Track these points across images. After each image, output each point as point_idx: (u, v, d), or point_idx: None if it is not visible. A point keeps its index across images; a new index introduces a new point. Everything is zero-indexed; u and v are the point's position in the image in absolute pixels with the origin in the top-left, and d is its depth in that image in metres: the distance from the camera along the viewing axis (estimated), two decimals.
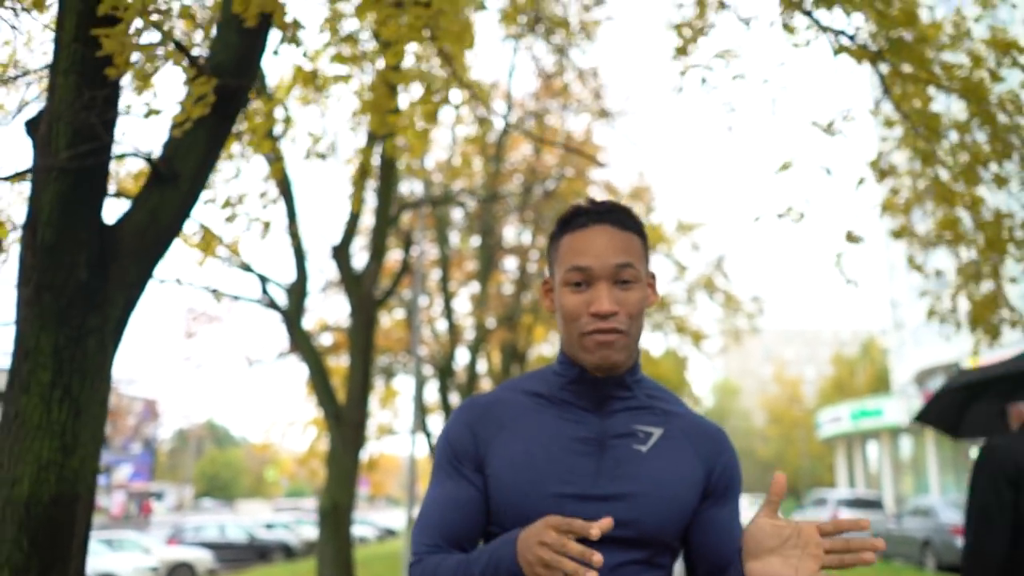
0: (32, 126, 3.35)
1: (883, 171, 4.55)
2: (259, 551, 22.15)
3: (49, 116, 3.27)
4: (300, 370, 16.51)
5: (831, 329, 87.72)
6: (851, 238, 4.39)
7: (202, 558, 17.87)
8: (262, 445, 21.59)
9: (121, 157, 3.36)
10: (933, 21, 4.56)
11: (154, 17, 2.75)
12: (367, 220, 10.67)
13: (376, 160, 7.99)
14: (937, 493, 28.10)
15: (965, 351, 24.30)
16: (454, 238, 17.45)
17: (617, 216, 1.32)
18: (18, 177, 3.07)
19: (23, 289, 3.20)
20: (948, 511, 14.50)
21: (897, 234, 4.58)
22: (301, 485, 68.24)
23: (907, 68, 4.48)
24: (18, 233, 3.73)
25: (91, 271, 3.25)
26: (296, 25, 2.99)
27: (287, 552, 22.63)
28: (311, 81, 4.76)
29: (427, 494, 1.35)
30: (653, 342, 20.30)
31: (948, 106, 4.46)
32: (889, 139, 4.75)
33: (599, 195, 18.29)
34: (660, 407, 1.37)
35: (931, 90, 4.69)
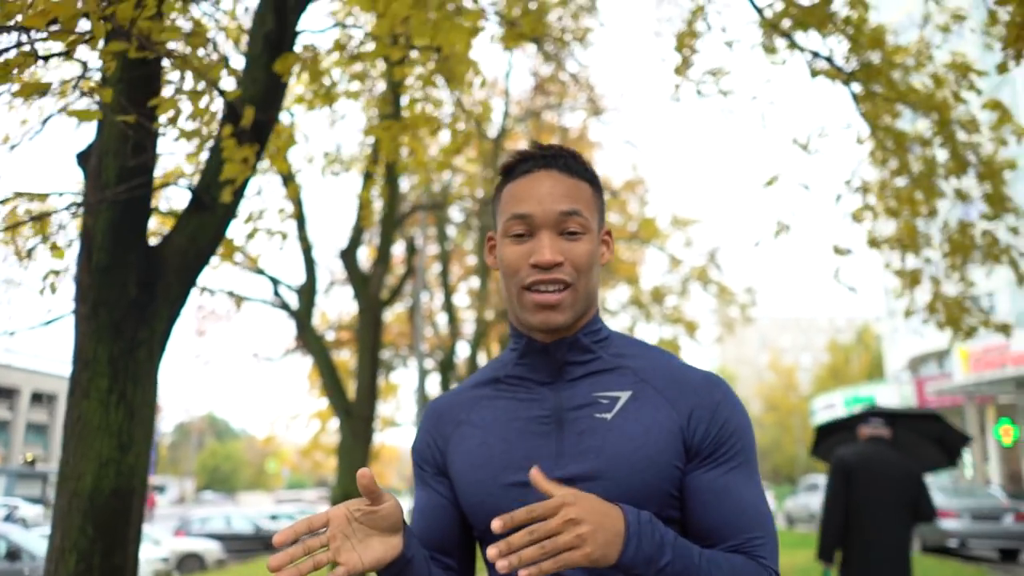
0: (83, 159, 3.73)
1: (857, 188, 4.96)
2: (265, 542, 22.61)
3: (98, 151, 3.65)
4: (302, 365, 16.93)
5: (827, 316, 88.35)
6: (838, 251, 4.81)
7: (211, 548, 18.32)
8: (266, 438, 21.92)
9: (165, 186, 3.74)
10: (898, 46, 4.95)
11: (199, 54, 3.12)
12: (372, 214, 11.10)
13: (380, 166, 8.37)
14: (928, 477, 28.65)
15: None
16: (452, 231, 17.84)
17: (565, 161, 1.19)
18: (74, 207, 3.45)
19: (81, 306, 3.58)
20: (935, 495, 14.97)
21: (871, 243, 5.00)
22: (302, 477, 68.79)
23: (876, 88, 4.87)
24: (72, 255, 4.11)
25: (140, 289, 3.64)
26: (324, 71, 3.38)
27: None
28: (321, 96, 5.14)
29: None
30: (647, 333, 20.73)
31: (914, 123, 4.85)
32: (862, 155, 5.17)
33: None
34: (630, 365, 1.21)
35: (899, 106, 5.09)
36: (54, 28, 2.08)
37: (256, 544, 22.42)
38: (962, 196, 4.46)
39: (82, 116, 2.28)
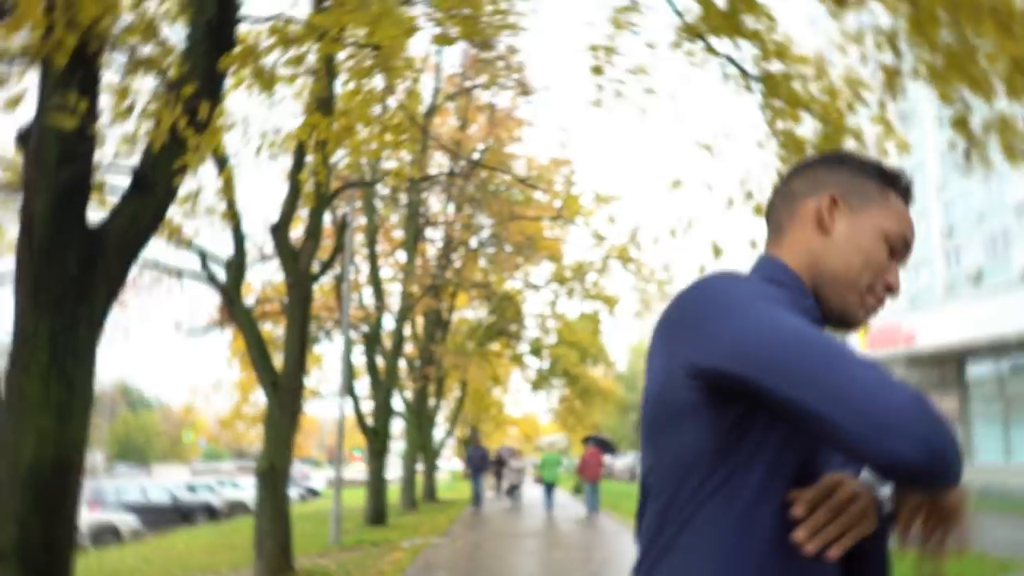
0: (22, 139, 3.78)
1: (749, 192, 5.40)
2: (182, 513, 22.38)
3: (39, 131, 3.71)
4: (223, 336, 16.78)
5: None
6: (716, 251, 5.26)
7: (126, 519, 18.10)
8: (184, 407, 21.64)
9: (107, 170, 3.85)
10: (801, 55, 5.38)
11: (147, 50, 3.26)
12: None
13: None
14: None
15: None
16: (379, 205, 17.86)
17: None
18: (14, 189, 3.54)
19: (21, 284, 3.67)
20: None
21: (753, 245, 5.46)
22: (219, 448, 67.53)
23: (777, 98, 5.29)
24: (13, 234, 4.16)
25: (81, 267, 3.75)
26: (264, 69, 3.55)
27: (211, 513, 22.92)
28: (260, 76, 5.25)
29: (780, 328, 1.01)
30: (570, 308, 21.30)
31: (815, 130, 5.31)
32: (766, 158, 5.61)
33: (520, 166, 18.95)
34: None
35: (800, 112, 5.53)
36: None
37: (173, 515, 22.15)
38: None
39: (64, 124, 2.42)
